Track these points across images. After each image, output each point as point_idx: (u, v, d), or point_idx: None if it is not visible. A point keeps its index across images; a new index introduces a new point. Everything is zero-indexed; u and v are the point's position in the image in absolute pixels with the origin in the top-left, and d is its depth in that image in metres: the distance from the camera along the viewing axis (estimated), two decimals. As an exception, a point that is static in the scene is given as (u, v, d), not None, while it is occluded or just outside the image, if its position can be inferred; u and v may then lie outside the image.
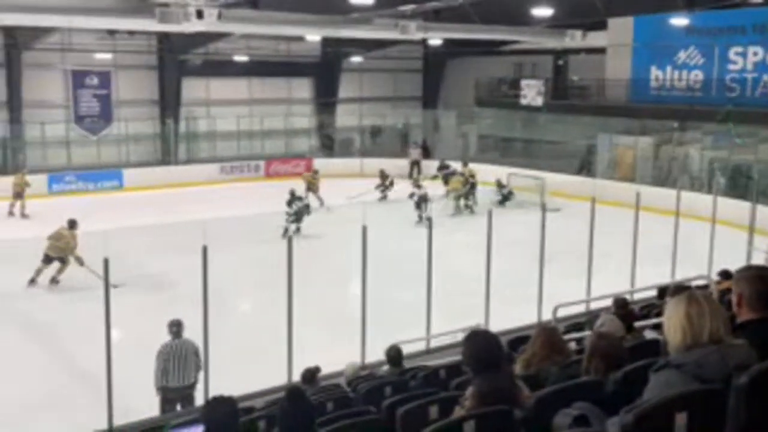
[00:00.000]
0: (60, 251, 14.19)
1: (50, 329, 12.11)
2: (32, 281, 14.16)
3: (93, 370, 8.49)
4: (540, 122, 27.87)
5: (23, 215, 21.02)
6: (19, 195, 21.14)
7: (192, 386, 8.38)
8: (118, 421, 7.52)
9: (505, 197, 22.75)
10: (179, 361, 8.26)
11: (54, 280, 14.30)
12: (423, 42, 29.28)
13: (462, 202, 22.11)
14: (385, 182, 24.21)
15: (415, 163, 28.84)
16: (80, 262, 13.75)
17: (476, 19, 24.38)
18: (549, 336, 4.26)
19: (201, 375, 8.45)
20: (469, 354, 3.45)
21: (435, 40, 27.92)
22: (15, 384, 8.34)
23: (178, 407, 8.30)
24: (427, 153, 30.48)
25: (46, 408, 9.01)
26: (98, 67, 26.76)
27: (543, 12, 19.91)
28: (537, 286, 11.31)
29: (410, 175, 27.41)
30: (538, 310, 11.08)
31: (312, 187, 22.98)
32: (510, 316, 11.15)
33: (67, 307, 12.93)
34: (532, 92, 27.21)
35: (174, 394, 8.32)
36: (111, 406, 7.50)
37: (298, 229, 17.76)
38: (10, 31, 24.46)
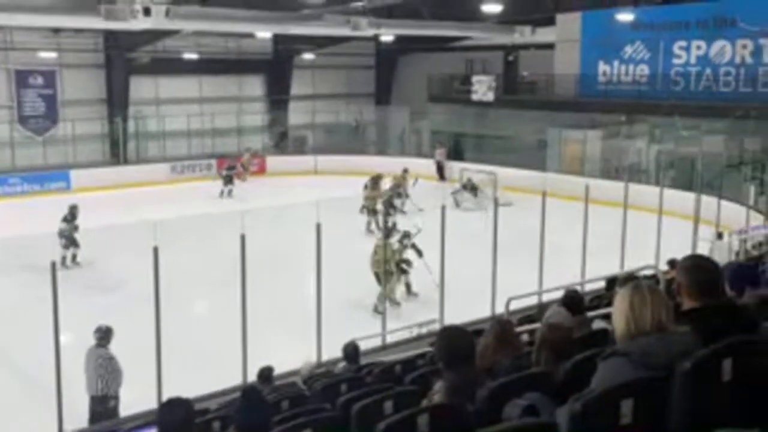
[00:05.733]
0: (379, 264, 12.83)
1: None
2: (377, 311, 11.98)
3: (44, 377, 8.30)
4: (491, 117, 28.12)
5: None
6: None
7: (98, 400, 8.01)
8: (70, 426, 7.37)
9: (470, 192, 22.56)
10: (89, 372, 8.04)
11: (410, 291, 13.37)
12: (375, 38, 29.28)
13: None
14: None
15: (440, 165, 27.33)
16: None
17: (427, 16, 24.49)
18: (501, 328, 4.31)
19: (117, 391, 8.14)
20: (442, 348, 3.48)
21: (387, 37, 27.95)
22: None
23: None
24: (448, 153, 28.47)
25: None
26: (43, 66, 26.12)
27: (492, 8, 20.11)
28: (491, 280, 11.41)
29: (440, 177, 26.69)
30: (492, 304, 11.19)
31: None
32: (465, 310, 11.24)
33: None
34: (483, 88, 27.48)
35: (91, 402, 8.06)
36: (61, 411, 7.34)
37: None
38: (-52, 30, 23.75)
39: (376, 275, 12.86)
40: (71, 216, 15.77)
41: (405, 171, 21.95)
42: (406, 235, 13.45)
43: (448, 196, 20.79)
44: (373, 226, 19.04)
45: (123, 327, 8.73)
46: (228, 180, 24.49)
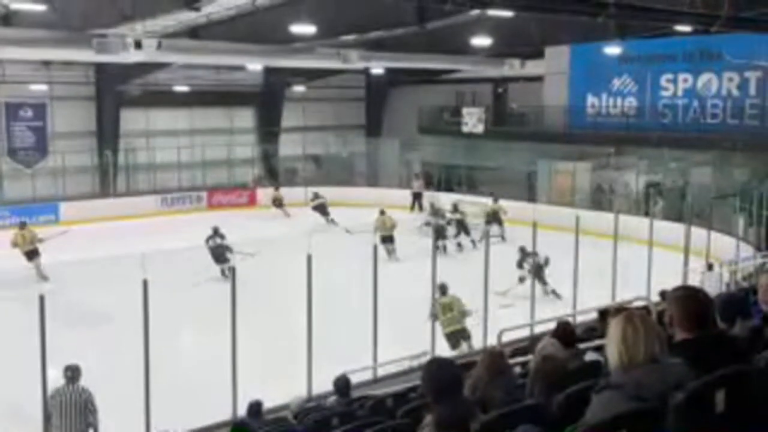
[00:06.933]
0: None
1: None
2: None
3: (30, 412, 8.18)
4: (481, 149, 28.27)
5: None
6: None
7: None
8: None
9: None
10: (69, 410, 7.57)
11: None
12: (365, 71, 29.52)
13: None
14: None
15: (417, 196, 27.16)
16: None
17: (417, 49, 24.73)
18: (492, 359, 4.29)
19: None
20: (428, 381, 3.45)
21: (377, 69, 28.19)
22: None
23: None
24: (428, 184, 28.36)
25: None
26: (33, 98, 26.14)
27: (482, 41, 20.32)
28: (482, 311, 11.36)
29: (412, 208, 26.59)
30: (484, 336, 11.13)
31: None
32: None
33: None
34: (473, 120, 27.66)
35: None
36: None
37: None
38: (-61, 62, 23.79)
39: (450, 336, 11.27)
40: (216, 234, 17.49)
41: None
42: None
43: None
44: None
45: (109, 361, 8.64)
46: (323, 210, 24.09)
